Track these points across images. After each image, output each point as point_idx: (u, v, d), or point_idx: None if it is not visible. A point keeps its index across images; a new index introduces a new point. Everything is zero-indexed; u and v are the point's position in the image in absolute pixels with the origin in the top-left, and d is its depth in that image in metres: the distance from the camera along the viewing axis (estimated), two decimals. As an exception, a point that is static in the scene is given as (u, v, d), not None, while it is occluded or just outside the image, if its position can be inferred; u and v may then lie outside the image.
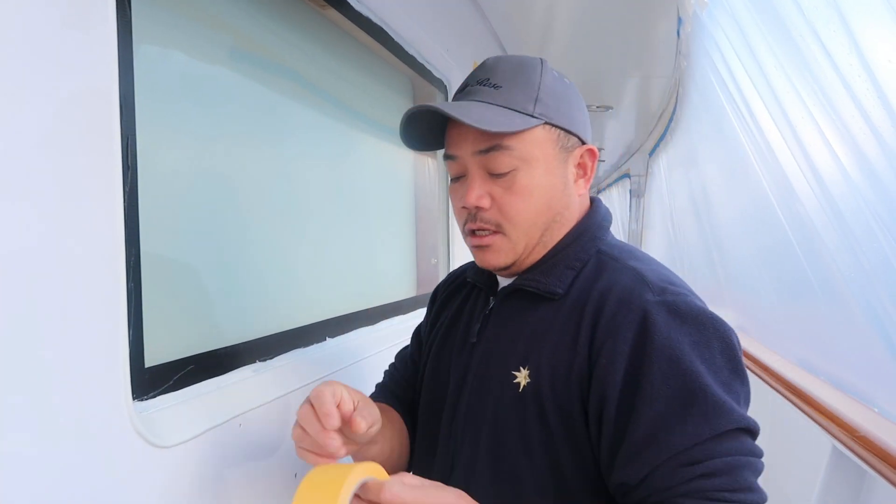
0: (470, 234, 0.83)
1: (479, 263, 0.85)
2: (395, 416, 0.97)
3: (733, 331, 0.72)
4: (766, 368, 2.02)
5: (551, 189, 0.80)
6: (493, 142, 0.77)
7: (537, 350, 0.77)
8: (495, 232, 0.80)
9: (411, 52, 1.69)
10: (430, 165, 2.05)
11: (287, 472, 0.98)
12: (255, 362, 1.00)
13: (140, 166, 0.75)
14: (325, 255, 1.34)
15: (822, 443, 1.59)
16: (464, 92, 0.83)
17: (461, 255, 2.08)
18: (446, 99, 2.02)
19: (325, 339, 1.22)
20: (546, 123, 0.79)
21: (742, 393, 0.69)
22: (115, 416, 0.65)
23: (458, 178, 0.83)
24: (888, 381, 1.48)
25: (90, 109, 0.61)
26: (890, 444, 1.26)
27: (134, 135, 0.74)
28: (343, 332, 1.30)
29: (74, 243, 0.59)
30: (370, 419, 0.73)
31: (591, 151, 0.84)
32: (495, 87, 0.79)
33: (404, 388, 1.02)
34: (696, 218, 3.26)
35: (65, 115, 0.58)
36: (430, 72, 1.85)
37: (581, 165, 0.84)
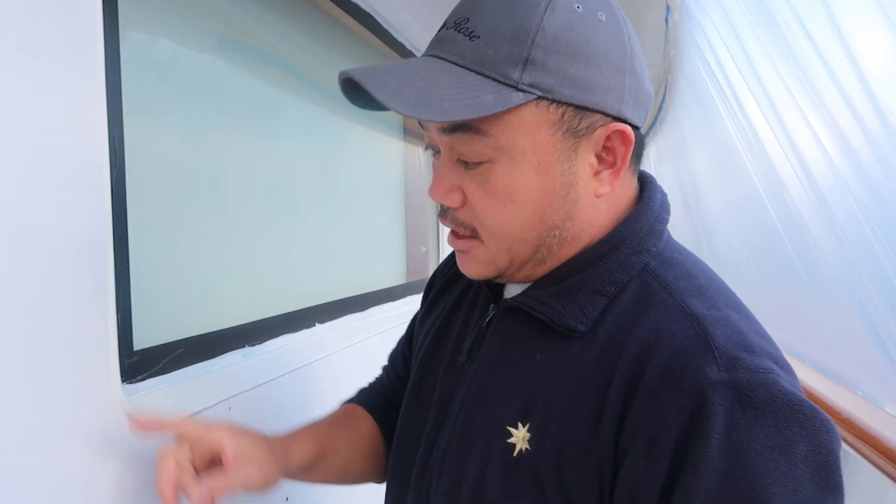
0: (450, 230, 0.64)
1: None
2: (360, 427, 0.84)
3: (833, 428, 0.49)
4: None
5: (544, 194, 0.56)
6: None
7: (544, 405, 0.57)
8: (472, 237, 0.61)
9: (400, 39, 1.69)
10: (420, 155, 2.05)
11: (277, 455, 0.99)
12: (244, 347, 1.00)
13: (127, 151, 0.75)
14: (315, 241, 1.34)
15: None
16: (435, 39, 0.58)
17: (451, 243, 2.09)
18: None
19: (315, 325, 1.23)
20: (540, 99, 0.53)
21: None
22: (104, 399, 0.65)
23: (436, 154, 0.62)
24: (871, 366, 1.51)
25: (77, 93, 0.60)
26: (872, 425, 1.29)
27: (121, 120, 0.74)
28: (332, 318, 1.31)
29: (62, 228, 0.59)
30: (241, 479, 0.64)
31: (621, 134, 0.56)
32: (472, 36, 0.54)
33: (395, 387, 0.89)
34: (685, 207, 3.28)
35: (51, 100, 0.58)
36: (419, 60, 1.85)
37: (609, 151, 0.57)
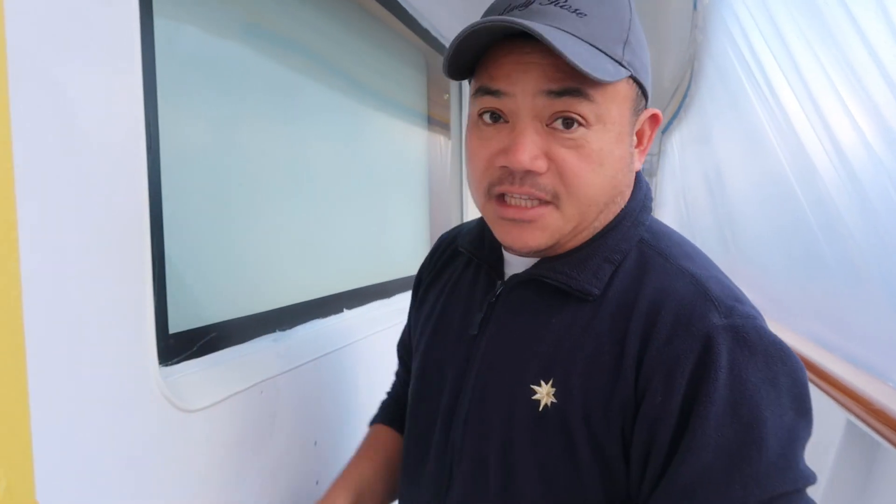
0: (498, 200, 0.63)
1: (505, 241, 0.66)
2: (387, 450, 0.89)
3: (802, 365, 0.60)
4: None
5: (620, 161, 0.63)
6: (571, 83, 0.57)
7: (565, 364, 0.63)
8: (546, 203, 0.62)
9: (425, 25, 1.68)
10: (443, 142, 2.04)
11: (306, 439, 0.99)
12: (274, 332, 1.01)
13: (161, 140, 0.75)
14: (342, 230, 1.34)
15: (836, 417, 1.59)
16: (527, 10, 0.59)
17: (474, 231, 2.08)
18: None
19: (343, 311, 1.23)
20: (631, 77, 0.61)
21: (805, 436, 0.59)
22: (142, 381, 0.66)
23: (496, 122, 0.62)
24: (904, 356, 1.47)
25: (115, 82, 0.60)
26: (906, 417, 1.26)
27: (156, 108, 0.74)
28: (360, 305, 1.31)
29: (100, 214, 0.59)
30: None
31: (655, 118, 0.66)
32: (578, 13, 0.58)
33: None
34: (710, 196, 3.23)
35: (91, 87, 0.58)
36: (444, 46, 1.83)
37: (640, 134, 0.66)
